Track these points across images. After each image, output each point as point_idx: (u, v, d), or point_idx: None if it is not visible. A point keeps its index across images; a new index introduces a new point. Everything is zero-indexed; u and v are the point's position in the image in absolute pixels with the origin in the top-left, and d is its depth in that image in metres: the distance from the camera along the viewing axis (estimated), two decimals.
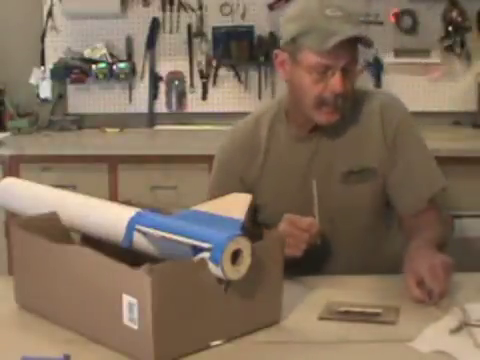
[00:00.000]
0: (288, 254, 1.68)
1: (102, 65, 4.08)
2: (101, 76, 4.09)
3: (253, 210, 2.04)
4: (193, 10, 4.07)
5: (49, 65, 4.12)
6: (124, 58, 4.13)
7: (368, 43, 1.88)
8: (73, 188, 3.24)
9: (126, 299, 1.40)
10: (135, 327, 1.40)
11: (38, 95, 4.15)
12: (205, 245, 1.41)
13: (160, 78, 4.15)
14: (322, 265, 2.01)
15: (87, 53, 4.10)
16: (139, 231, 1.53)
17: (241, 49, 4.02)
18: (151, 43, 4.12)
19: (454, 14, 3.83)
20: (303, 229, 1.80)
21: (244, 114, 3.31)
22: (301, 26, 1.86)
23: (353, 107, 1.98)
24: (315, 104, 1.90)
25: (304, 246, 1.78)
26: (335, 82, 1.85)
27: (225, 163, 2.11)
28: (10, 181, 1.90)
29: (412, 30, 3.93)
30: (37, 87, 4.14)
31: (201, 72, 4.10)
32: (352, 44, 1.86)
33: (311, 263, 1.88)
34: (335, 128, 1.98)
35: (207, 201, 2.07)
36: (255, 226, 1.96)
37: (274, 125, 2.04)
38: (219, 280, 1.44)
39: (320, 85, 1.87)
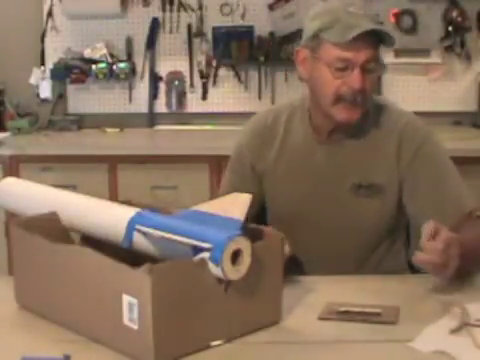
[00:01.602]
0: None
1: (102, 65, 4.09)
2: (101, 76, 4.09)
3: (260, 203, 2.06)
4: (193, 10, 4.07)
5: (49, 65, 4.13)
6: (124, 58, 4.13)
7: (390, 41, 1.87)
8: (73, 188, 3.24)
9: (126, 299, 1.40)
10: (135, 327, 1.39)
11: (38, 95, 4.16)
12: (205, 245, 1.41)
13: (160, 78, 4.15)
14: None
15: (87, 53, 4.10)
16: (139, 231, 1.53)
17: (241, 49, 4.02)
18: (151, 43, 4.12)
19: (454, 14, 3.84)
20: None
21: (244, 114, 3.32)
22: (323, 21, 1.87)
23: (371, 120, 1.98)
24: (333, 100, 1.89)
25: None
26: (354, 78, 1.85)
27: (240, 147, 2.11)
28: (10, 181, 1.90)
29: (412, 30, 3.93)
30: (37, 87, 4.15)
31: (201, 72, 4.10)
32: (373, 42, 1.86)
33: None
34: (353, 137, 1.97)
35: (223, 186, 2.13)
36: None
37: (291, 122, 2.05)
38: (219, 280, 1.44)
39: (339, 81, 1.87)
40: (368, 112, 1.96)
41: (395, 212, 2.00)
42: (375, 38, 1.85)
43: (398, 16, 3.92)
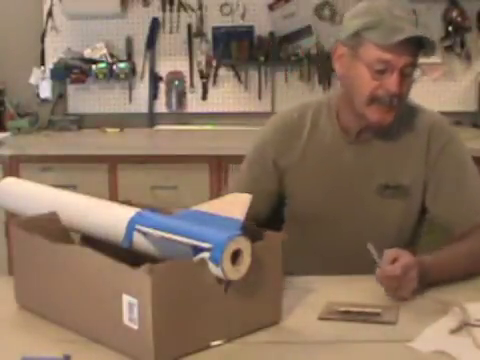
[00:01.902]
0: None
1: (102, 65, 4.09)
2: (101, 76, 4.09)
3: (278, 200, 2.05)
4: (193, 10, 4.07)
5: (49, 65, 4.13)
6: (124, 58, 4.13)
7: (432, 47, 1.86)
8: (73, 188, 3.24)
9: (126, 299, 1.40)
10: (135, 327, 1.40)
11: (38, 95, 4.16)
12: (205, 245, 1.41)
13: (160, 78, 4.15)
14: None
15: (87, 53, 4.10)
16: (139, 231, 1.53)
17: (241, 49, 4.02)
18: (151, 43, 4.12)
19: (454, 14, 3.84)
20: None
21: (244, 114, 3.32)
22: (367, 21, 1.85)
23: (401, 120, 1.96)
24: (368, 101, 1.87)
25: None
26: (392, 81, 1.83)
27: (263, 144, 2.07)
28: (10, 181, 1.90)
29: None
30: (37, 87, 4.15)
31: (201, 72, 4.10)
32: (415, 48, 1.84)
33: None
34: (382, 137, 1.97)
35: (234, 186, 2.07)
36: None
37: (318, 119, 2.02)
38: (219, 280, 1.44)
39: (376, 82, 1.85)
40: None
41: (418, 215, 2.01)
42: (416, 43, 1.84)
43: None
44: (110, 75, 4.10)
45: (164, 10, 4.09)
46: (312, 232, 2.01)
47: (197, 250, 1.44)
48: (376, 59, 1.84)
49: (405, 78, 1.86)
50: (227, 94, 4.13)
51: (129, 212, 1.57)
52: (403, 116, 1.97)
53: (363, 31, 1.85)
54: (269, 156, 2.04)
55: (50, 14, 4.13)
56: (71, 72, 4.08)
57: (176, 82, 4.14)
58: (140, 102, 4.18)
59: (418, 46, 1.85)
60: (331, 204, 2.00)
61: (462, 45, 3.90)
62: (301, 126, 2.02)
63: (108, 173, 3.64)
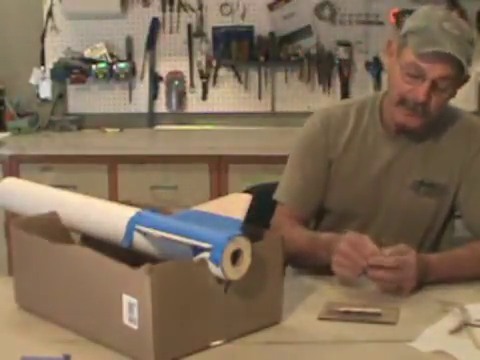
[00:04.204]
0: (339, 274, 1.75)
1: (102, 65, 4.09)
2: (101, 76, 4.09)
3: (320, 190, 2.07)
4: (193, 10, 4.07)
5: (49, 65, 4.13)
6: (124, 58, 4.14)
7: (464, 66, 1.85)
8: (73, 188, 3.24)
9: (126, 299, 1.40)
10: (135, 327, 1.40)
11: (38, 95, 4.16)
12: (205, 245, 1.41)
13: (160, 78, 4.15)
14: None
15: (87, 53, 4.10)
16: (139, 231, 1.53)
17: (241, 49, 4.02)
18: (151, 43, 4.12)
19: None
20: (364, 256, 1.72)
21: (244, 114, 3.28)
22: (415, 25, 1.89)
23: (440, 122, 1.98)
24: (398, 101, 1.92)
25: (361, 272, 1.72)
26: (420, 90, 1.86)
27: (311, 135, 2.09)
28: (10, 181, 1.90)
29: None
30: (37, 87, 4.15)
31: (201, 72, 4.10)
32: (454, 64, 1.84)
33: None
34: (422, 136, 1.99)
35: (288, 177, 2.09)
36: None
37: (361, 116, 2.06)
38: (219, 280, 1.44)
39: (408, 86, 1.88)
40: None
41: (447, 217, 2.04)
42: (457, 61, 1.83)
43: (398, 16, 3.91)
44: (110, 75, 4.10)
45: (164, 10, 4.09)
46: (343, 227, 2.01)
47: (197, 250, 1.44)
48: (410, 63, 1.86)
49: (437, 91, 1.87)
50: (227, 94, 4.13)
51: (129, 212, 1.57)
52: (442, 117, 1.98)
53: (409, 34, 1.89)
54: (320, 145, 2.06)
55: (50, 14, 4.13)
56: (71, 72, 4.09)
57: (176, 82, 4.14)
58: (140, 102, 4.18)
59: (459, 65, 1.84)
60: (366, 199, 2.03)
61: None
62: (344, 124, 2.06)
63: (108, 173, 3.64)
